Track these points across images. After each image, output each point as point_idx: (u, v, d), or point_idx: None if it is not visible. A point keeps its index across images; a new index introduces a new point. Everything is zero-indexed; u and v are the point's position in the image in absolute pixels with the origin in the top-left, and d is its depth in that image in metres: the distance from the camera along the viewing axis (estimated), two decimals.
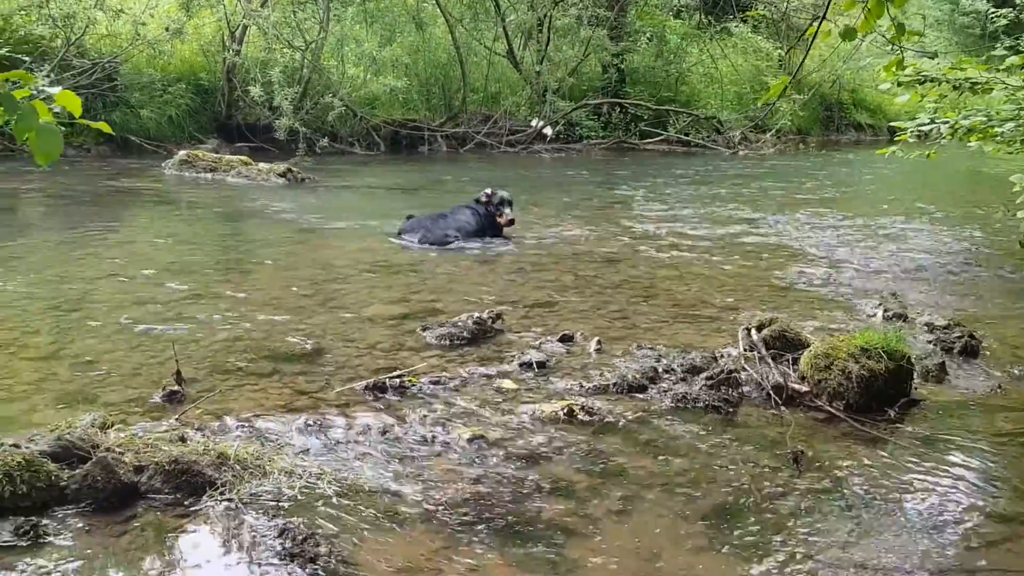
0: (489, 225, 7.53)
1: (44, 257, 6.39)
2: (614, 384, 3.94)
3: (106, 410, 3.40)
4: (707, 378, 3.93)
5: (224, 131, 14.49)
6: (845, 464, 3.31)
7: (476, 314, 4.71)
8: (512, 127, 16.38)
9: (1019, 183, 6.64)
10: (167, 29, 13.55)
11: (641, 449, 3.37)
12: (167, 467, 2.85)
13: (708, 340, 4.66)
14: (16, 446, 2.83)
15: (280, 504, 2.78)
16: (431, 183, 11.85)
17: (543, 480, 3.07)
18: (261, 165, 11.38)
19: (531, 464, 3.19)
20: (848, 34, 2.87)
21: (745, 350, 4.24)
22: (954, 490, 3.15)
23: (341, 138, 14.78)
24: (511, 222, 7.54)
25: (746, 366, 4.07)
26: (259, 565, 2.46)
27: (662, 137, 17.50)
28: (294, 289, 5.54)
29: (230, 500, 2.77)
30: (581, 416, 3.59)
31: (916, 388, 4.00)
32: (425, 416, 3.54)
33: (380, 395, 3.75)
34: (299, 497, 2.83)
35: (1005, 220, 9.06)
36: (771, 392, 3.86)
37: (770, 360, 4.07)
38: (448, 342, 4.49)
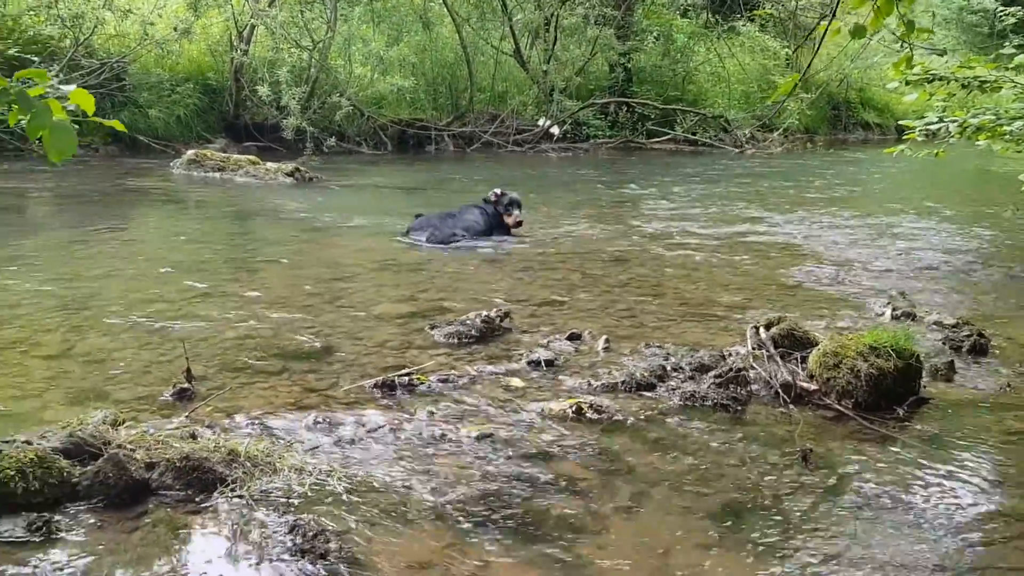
0: (497, 224, 7.54)
1: (54, 256, 6.42)
2: (622, 382, 3.94)
3: (117, 407, 3.42)
4: (716, 376, 3.93)
5: (232, 130, 14.54)
6: (854, 462, 3.30)
7: (484, 312, 4.72)
8: (519, 126, 16.38)
9: None
10: (175, 29, 13.60)
11: (650, 447, 3.38)
12: (178, 464, 2.86)
13: (716, 338, 4.66)
14: (28, 443, 2.85)
15: (290, 501, 2.79)
16: (438, 182, 11.87)
17: (552, 477, 3.08)
18: (269, 164, 11.41)
19: (540, 462, 3.20)
20: (858, 32, 2.87)
21: (753, 348, 4.23)
22: (963, 488, 3.14)
23: (348, 137, 14.81)
24: (519, 223, 7.55)
25: (755, 364, 4.07)
26: (270, 561, 2.47)
27: (669, 136, 17.49)
28: (303, 287, 5.56)
29: (241, 497, 2.78)
30: (590, 414, 3.59)
31: (925, 387, 3.99)
32: (434, 414, 3.55)
33: (389, 393, 3.76)
34: (309, 494, 2.84)
35: (1014, 219, 9.05)
36: (780, 390, 3.86)
37: (778, 358, 4.07)
38: (456, 340, 4.50)
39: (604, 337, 4.56)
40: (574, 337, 4.58)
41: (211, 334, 4.49)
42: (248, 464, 2.93)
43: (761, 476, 3.15)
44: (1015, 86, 6.32)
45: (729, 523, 2.83)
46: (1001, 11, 24.09)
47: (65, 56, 12.54)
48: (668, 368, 4.11)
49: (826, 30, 3.28)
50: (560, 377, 4.06)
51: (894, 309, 5.22)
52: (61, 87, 2.06)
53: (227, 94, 14.41)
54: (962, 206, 10.59)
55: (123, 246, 6.91)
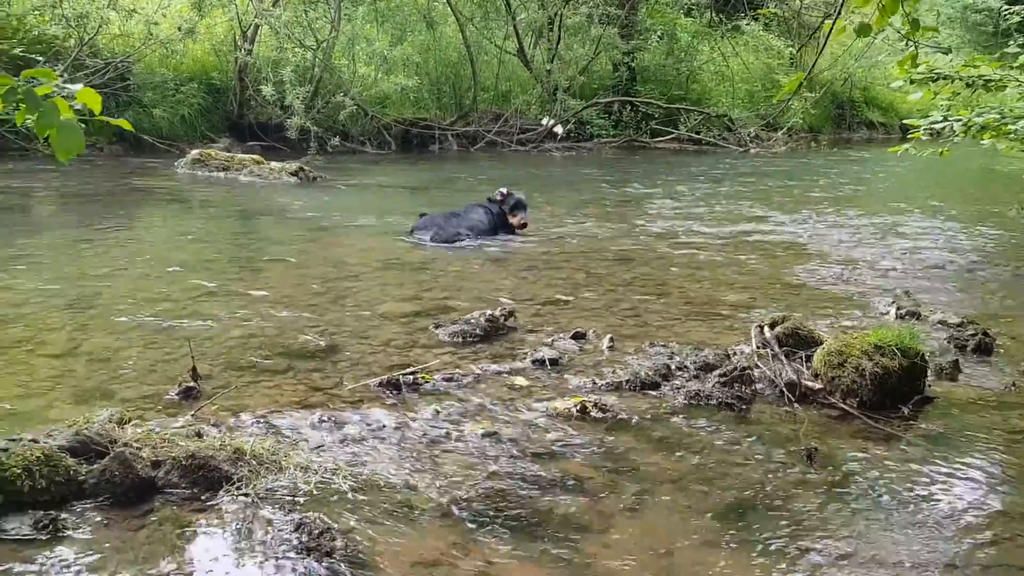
0: (502, 224, 7.54)
1: (59, 255, 6.43)
2: (627, 381, 3.94)
3: (123, 406, 3.42)
4: (720, 375, 3.93)
5: (236, 130, 14.56)
6: (858, 461, 3.30)
7: (488, 311, 4.73)
8: (523, 126, 16.38)
9: None
10: (179, 29, 13.62)
11: (654, 446, 3.38)
12: (184, 462, 2.87)
13: (721, 338, 4.66)
14: (35, 441, 2.85)
15: (296, 499, 2.80)
16: (442, 182, 11.88)
17: (557, 476, 3.08)
18: (273, 164, 11.43)
19: (544, 460, 3.20)
20: (863, 30, 2.87)
21: (758, 347, 4.23)
22: (968, 487, 3.14)
23: (352, 137, 14.82)
24: (524, 225, 7.55)
25: (759, 363, 4.07)
26: (276, 559, 2.48)
27: (673, 135, 17.48)
28: (308, 286, 5.57)
29: (246, 495, 2.79)
30: (594, 413, 3.59)
31: (930, 385, 3.99)
32: (439, 412, 3.56)
33: (394, 392, 3.76)
34: (315, 492, 2.85)
35: (1019, 218, 9.04)
36: (784, 389, 3.86)
37: (783, 357, 4.07)
38: (461, 339, 4.50)
39: (609, 336, 4.56)
40: (578, 336, 4.58)
41: (216, 333, 4.50)
42: (254, 462, 2.94)
43: (766, 475, 3.15)
44: (1020, 85, 6.31)
45: (734, 522, 2.83)
46: (1006, 10, 24.03)
47: (70, 56, 12.56)
48: (673, 367, 4.11)
49: (831, 28, 3.28)
50: (564, 376, 4.06)
51: (899, 308, 5.21)
52: (68, 86, 2.07)
53: (231, 94, 14.43)
54: (966, 205, 10.57)
55: (128, 245, 6.93)
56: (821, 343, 4.13)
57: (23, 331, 4.47)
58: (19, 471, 2.69)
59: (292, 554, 2.50)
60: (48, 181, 10.35)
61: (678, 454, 3.31)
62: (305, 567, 2.45)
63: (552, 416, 3.58)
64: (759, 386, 3.94)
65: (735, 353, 4.26)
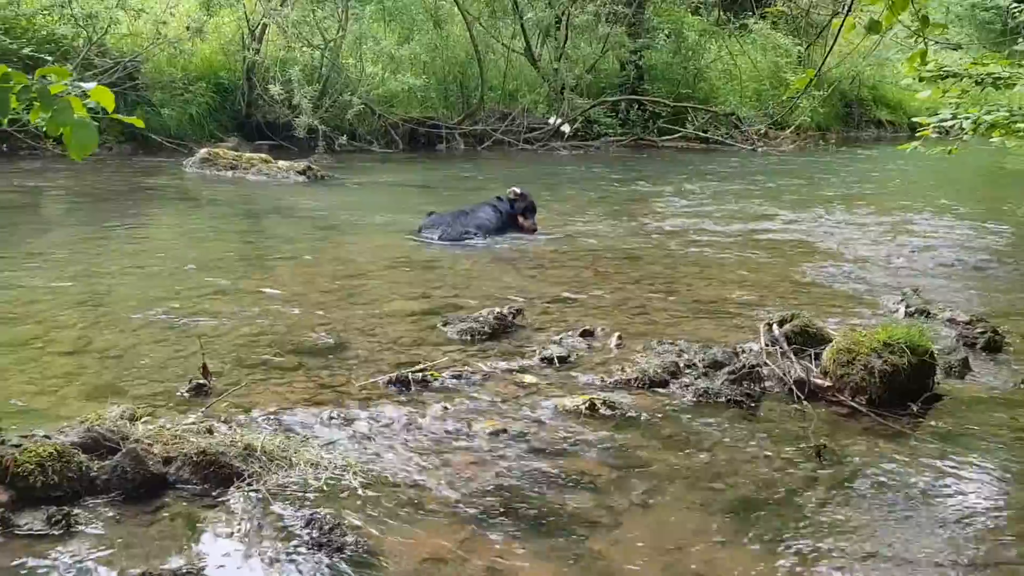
0: (510, 223, 7.54)
1: (70, 253, 6.46)
2: (635, 379, 3.94)
3: (134, 403, 3.45)
4: (729, 373, 3.93)
5: (244, 129, 14.58)
6: (867, 458, 3.30)
7: (497, 309, 4.74)
8: (530, 124, 16.35)
9: None
10: (188, 28, 13.65)
11: (663, 443, 3.38)
12: (195, 458, 2.89)
13: (729, 335, 4.66)
14: (48, 437, 2.88)
15: (306, 495, 2.81)
16: (449, 180, 11.88)
17: (566, 473, 3.09)
18: (281, 163, 11.44)
19: (553, 457, 3.21)
20: (873, 26, 2.87)
21: (767, 345, 4.23)
22: (976, 485, 3.14)
23: (360, 136, 14.82)
24: (534, 230, 7.54)
25: (768, 361, 4.07)
26: (287, 554, 2.50)
27: (681, 134, 17.45)
28: (317, 284, 5.59)
29: (257, 491, 2.81)
30: (603, 410, 3.60)
31: (939, 383, 3.98)
32: (447, 409, 3.57)
33: (403, 389, 3.77)
34: (325, 488, 2.86)
35: None
36: (793, 387, 3.86)
37: (792, 355, 4.07)
38: (469, 337, 4.51)
39: (617, 334, 4.56)
40: (587, 334, 4.59)
41: (227, 330, 4.52)
42: (264, 459, 2.95)
43: (775, 472, 3.16)
44: None
45: (743, 519, 2.83)
46: (1014, 7, 23.91)
47: (79, 55, 12.60)
48: (681, 365, 4.11)
49: (841, 26, 3.28)
50: (573, 373, 4.07)
51: (908, 306, 5.20)
52: (82, 84, 2.08)
53: (239, 93, 14.44)
54: (975, 203, 10.54)
55: (138, 243, 6.96)
56: (830, 341, 4.13)
57: (35, 329, 4.49)
58: (32, 467, 2.71)
59: (303, 549, 2.51)
60: (58, 180, 10.39)
61: (687, 451, 3.31)
62: (316, 562, 2.46)
63: (561, 413, 3.59)
64: (768, 384, 3.94)
65: (744, 351, 4.26)
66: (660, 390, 3.89)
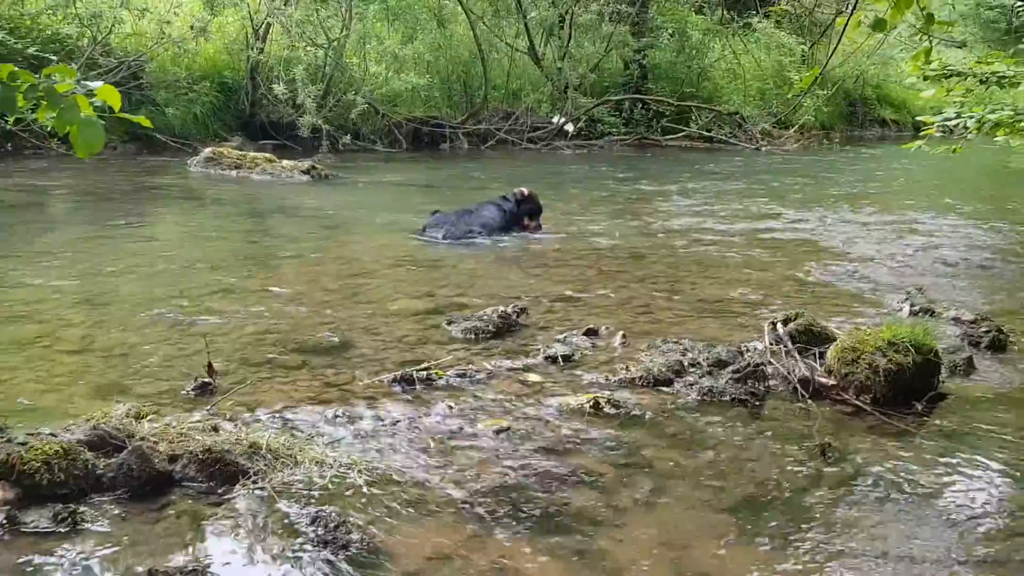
0: (515, 222, 7.54)
1: (75, 252, 6.48)
2: (640, 377, 3.94)
3: (140, 401, 3.46)
4: (733, 371, 3.93)
5: (248, 129, 14.60)
6: (872, 457, 3.30)
7: (501, 308, 4.74)
8: (534, 124, 16.36)
9: None
10: (192, 27, 13.67)
11: (668, 441, 3.38)
12: (200, 456, 2.89)
13: (734, 334, 4.66)
14: (54, 435, 2.89)
15: (312, 493, 2.82)
16: (453, 180, 11.89)
17: (570, 471, 3.09)
18: (285, 162, 11.46)
19: (558, 455, 3.22)
20: (878, 24, 2.86)
21: (771, 344, 4.23)
22: (981, 483, 3.14)
23: (363, 135, 14.84)
24: (538, 229, 7.53)
25: (772, 360, 4.07)
26: (292, 551, 2.50)
27: (684, 133, 17.44)
28: (321, 283, 5.59)
29: (263, 489, 2.81)
30: (607, 409, 3.60)
31: (943, 382, 3.98)
32: (452, 408, 3.57)
33: (408, 387, 3.78)
34: (330, 486, 2.87)
35: None
36: (798, 386, 3.86)
37: (796, 354, 4.07)
38: (473, 336, 4.52)
39: (621, 333, 4.57)
40: (591, 333, 4.59)
41: (232, 329, 4.53)
42: (270, 457, 2.96)
43: (779, 471, 3.16)
44: None
45: (748, 517, 2.83)
46: (1019, 6, 23.85)
47: (83, 55, 12.63)
48: (685, 363, 4.11)
49: (846, 24, 3.28)
50: (577, 372, 4.07)
51: (912, 305, 5.20)
52: (88, 83, 2.09)
53: (243, 92, 14.47)
54: (980, 202, 10.52)
55: (143, 242, 6.97)
56: (834, 339, 4.13)
57: (40, 327, 4.51)
58: (38, 464, 2.72)
59: (308, 547, 2.52)
60: (63, 179, 10.42)
61: (691, 450, 3.32)
62: (322, 560, 2.47)
63: (565, 412, 3.59)
64: (772, 382, 3.94)
65: (748, 350, 4.26)
66: (664, 389, 3.89)
